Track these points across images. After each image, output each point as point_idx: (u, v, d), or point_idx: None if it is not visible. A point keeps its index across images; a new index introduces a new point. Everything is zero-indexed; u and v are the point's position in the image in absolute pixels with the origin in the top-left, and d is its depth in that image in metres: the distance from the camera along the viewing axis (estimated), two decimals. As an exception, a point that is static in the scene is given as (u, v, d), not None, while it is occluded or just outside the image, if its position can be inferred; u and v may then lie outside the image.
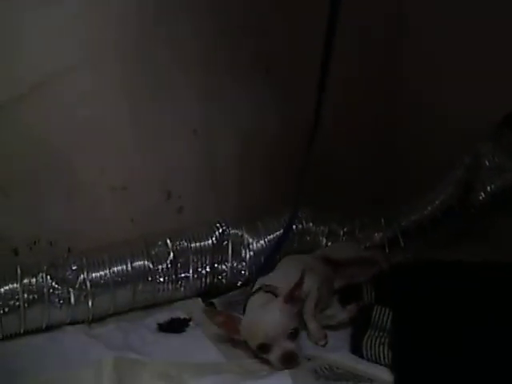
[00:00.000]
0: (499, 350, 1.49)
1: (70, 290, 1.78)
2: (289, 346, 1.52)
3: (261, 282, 1.77)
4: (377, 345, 1.56)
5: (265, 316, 1.56)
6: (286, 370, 1.49)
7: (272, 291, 1.68)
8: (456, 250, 2.17)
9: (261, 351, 1.54)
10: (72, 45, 1.89)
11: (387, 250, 2.19)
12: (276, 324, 1.53)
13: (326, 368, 1.53)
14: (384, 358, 1.53)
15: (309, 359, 1.57)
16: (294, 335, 1.54)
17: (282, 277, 1.76)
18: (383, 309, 1.73)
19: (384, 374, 1.49)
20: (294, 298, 1.60)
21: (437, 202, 2.20)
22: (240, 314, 1.68)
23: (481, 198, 2.19)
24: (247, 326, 1.58)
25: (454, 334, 1.57)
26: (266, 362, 1.54)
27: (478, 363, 1.44)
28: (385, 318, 1.69)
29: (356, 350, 1.59)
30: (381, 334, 1.62)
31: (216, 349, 1.64)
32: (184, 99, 2.12)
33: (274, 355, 1.51)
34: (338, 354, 1.58)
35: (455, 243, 2.22)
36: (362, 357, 1.57)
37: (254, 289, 1.74)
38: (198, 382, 1.45)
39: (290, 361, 1.51)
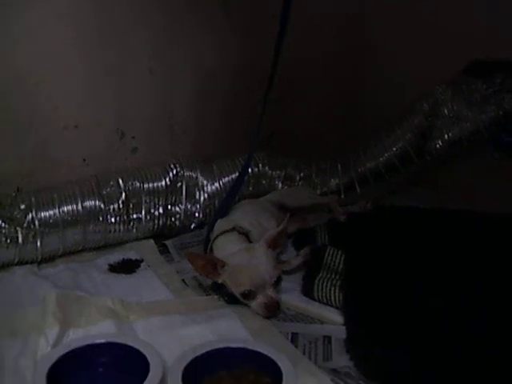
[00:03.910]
0: (445, 291, 1.51)
1: (18, 229, 1.74)
2: (273, 294, 1.50)
3: (223, 223, 1.74)
4: (328, 287, 1.57)
5: (252, 262, 1.52)
6: (235, 311, 1.49)
7: (245, 234, 1.65)
8: (408, 196, 2.20)
9: (244, 298, 1.50)
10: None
11: (343, 196, 2.18)
12: (264, 272, 1.50)
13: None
14: (335, 299, 1.54)
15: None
16: (277, 283, 1.53)
17: (246, 219, 1.74)
18: (336, 250, 1.73)
19: (334, 316, 1.50)
20: (276, 243, 1.59)
21: (394, 149, 2.20)
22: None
23: (438, 146, 2.19)
24: (233, 272, 1.53)
25: (403, 278, 1.59)
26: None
27: (425, 305, 1.46)
28: (337, 260, 1.70)
29: (307, 291, 1.59)
30: (332, 275, 1.63)
31: (166, 289, 1.63)
32: (138, 37, 2.05)
33: (258, 303, 1.49)
34: (289, 296, 1.57)
35: (407, 189, 2.24)
36: (313, 298, 1.57)
37: (221, 229, 1.70)
38: (145, 321, 1.43)
39: (273, 309, 1.49)
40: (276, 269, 1.54)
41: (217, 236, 1.68)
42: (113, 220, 1.87)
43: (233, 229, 1.67)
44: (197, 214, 2.01)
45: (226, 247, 1.61)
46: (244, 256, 1.55)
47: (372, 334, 1.37)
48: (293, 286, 1.63)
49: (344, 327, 1.44)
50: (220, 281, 1.55)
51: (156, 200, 1.94)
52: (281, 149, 2.23)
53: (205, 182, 2.02)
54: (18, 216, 1.76)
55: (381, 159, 2.21)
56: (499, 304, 1.45)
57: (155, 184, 1.95)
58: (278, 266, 1.57)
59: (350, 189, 2.20)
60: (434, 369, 1.22)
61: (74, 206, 1.82)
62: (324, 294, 1.55)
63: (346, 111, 2.55)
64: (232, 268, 1.53)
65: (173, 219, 1.98)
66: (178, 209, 1.98)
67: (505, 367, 1.23)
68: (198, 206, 2.01)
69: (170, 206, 1.97)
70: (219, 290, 1.59)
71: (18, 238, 1.74)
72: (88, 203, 1.84)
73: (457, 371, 1.22)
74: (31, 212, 1.77)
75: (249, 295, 1.49)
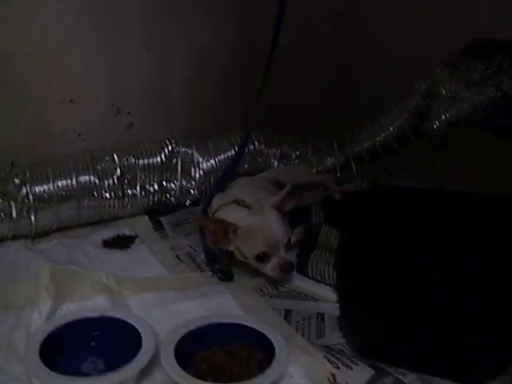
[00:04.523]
0: (443, 268, 1.51)
1: (12, 203, 1.73)
2: (286, 255, 1.50)
3: (223, 197, 1.72)
4: (322, 264, 1.57)
5: (265, 223, 1.52)
6: (228, 288, 1.50)
7: (246, 206, 1.63)
8: (404, 176, 2.20)
9: (259, 260, 1.50)
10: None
11: (339, 175, 2.17)
12: (277, 231, 1.50)
13: (270, 286, 1.53)
14: (328, 277, 1.54)
15: (253, 277, 1.56)
16: (288, 245, 1.53)
17: (245, 195, 1.71)
18: (330, 229, 1.73)
19: (328, 293, 1.50)
20: (280, 210, 1.58)
21: (391, 129, 2.19)
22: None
23: (435, 126, 2.18)
24: (246, 234, 1.51)
25: (398, 256, 1.58)
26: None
27: (423, 282, 1.45)
28: (332, 238, 1.70)
29: (301, 269, 1.58)
30: (327, 254, 1.62)
31: (160, 265, 1.63)
32: (133, 12, 2.02)
33: (272, 264, 1.49)
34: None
35: (404, 169, 2.24)
36: (307, 276, 1.57)
37: (221, 203, 1.67)
38: (138, 297, 1.43)
39: (288, 270, 1.50)
40: (287, 230, 1.54)
41: (217, 209, 1.66)
42: (107, 195, 1.86)
43: (233, 202, 1.66)
44: (192, 191, 2.00)
45: (231, 216, 1.58)
46: (255, 218, 1.55)
47: (367, 311, 1.37)
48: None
49: (337, 304, 1.44)
50: (231, 248, 1.54)
51: (151, 176, 1.93)
52: (277, 128, 2.21)
53: (200, 159, 2.01)
54: (12, 190, 1.74)
55: (377, 139, 2.19)
56: (496, 281, 1.45)
57: (150, 160, 1.93)
58: (286, 228, 1.58)
59: (346, 168, 2.19)
60: (430, 346, 1.22)
61: (69, 181, 1.80)
62: (318, 272, 1.55)
63: (342, 90, 2.53)
64: (245, 230, 1.51)
65: (168, 196, 1.97)
66: (173, 185, 1.97)
67: (503, 344, 1.24)
68: (194, 183, 2.00)
69: (165, 183, 1.96)
70: (213, 266, 1.59)
71: (11, 212, 1.73)
72: (83, 178, 1.83)
73: (454, 348, 1.22)
74: (25, 186, 1.75)
75: (263, 257, 1.49)
